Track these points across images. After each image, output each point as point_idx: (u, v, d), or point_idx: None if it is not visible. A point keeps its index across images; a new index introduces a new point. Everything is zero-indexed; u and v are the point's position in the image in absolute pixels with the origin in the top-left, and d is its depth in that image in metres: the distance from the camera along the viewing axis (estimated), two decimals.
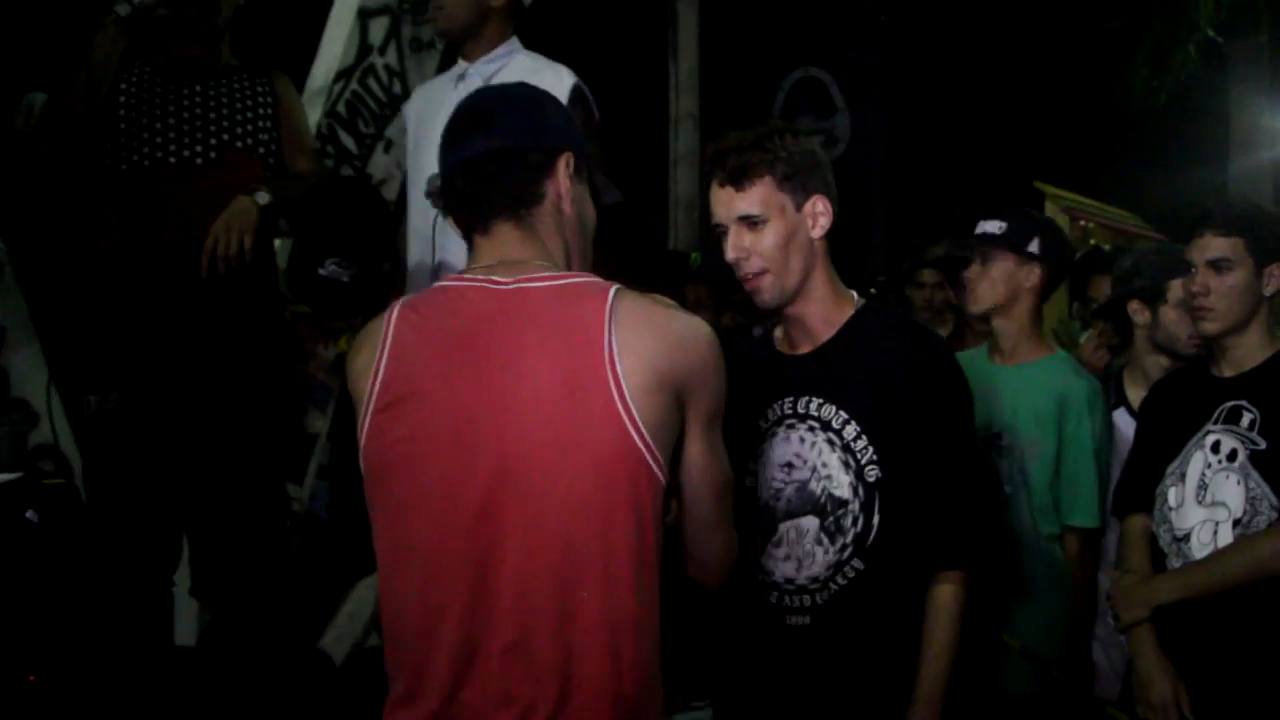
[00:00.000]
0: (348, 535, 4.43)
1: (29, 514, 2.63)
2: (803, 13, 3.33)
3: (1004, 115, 12.13)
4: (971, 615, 2.23)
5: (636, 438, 1.67)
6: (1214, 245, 2.68)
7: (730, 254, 2.24)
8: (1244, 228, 2.68)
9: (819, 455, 2.24)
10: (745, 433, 2.29)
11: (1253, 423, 2.60)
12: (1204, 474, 2.64)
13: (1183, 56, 11.54)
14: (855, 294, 2.34)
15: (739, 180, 2.21)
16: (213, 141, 3.19)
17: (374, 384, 1.74)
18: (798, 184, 2.22)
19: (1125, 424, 3.17)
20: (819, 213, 2.24)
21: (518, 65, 3.14)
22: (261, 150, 3.25)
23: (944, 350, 2.40)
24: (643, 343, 1.70)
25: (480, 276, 1.76)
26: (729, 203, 2.23)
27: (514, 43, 3.21)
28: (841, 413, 2.23)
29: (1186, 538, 2.65)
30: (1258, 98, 12.13)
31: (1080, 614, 3.02)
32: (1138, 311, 3.27)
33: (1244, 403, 2.63)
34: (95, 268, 3.19)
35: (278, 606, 3.29)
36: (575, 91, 3.08)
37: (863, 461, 2.21)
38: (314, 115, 4.12)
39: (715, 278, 4.17)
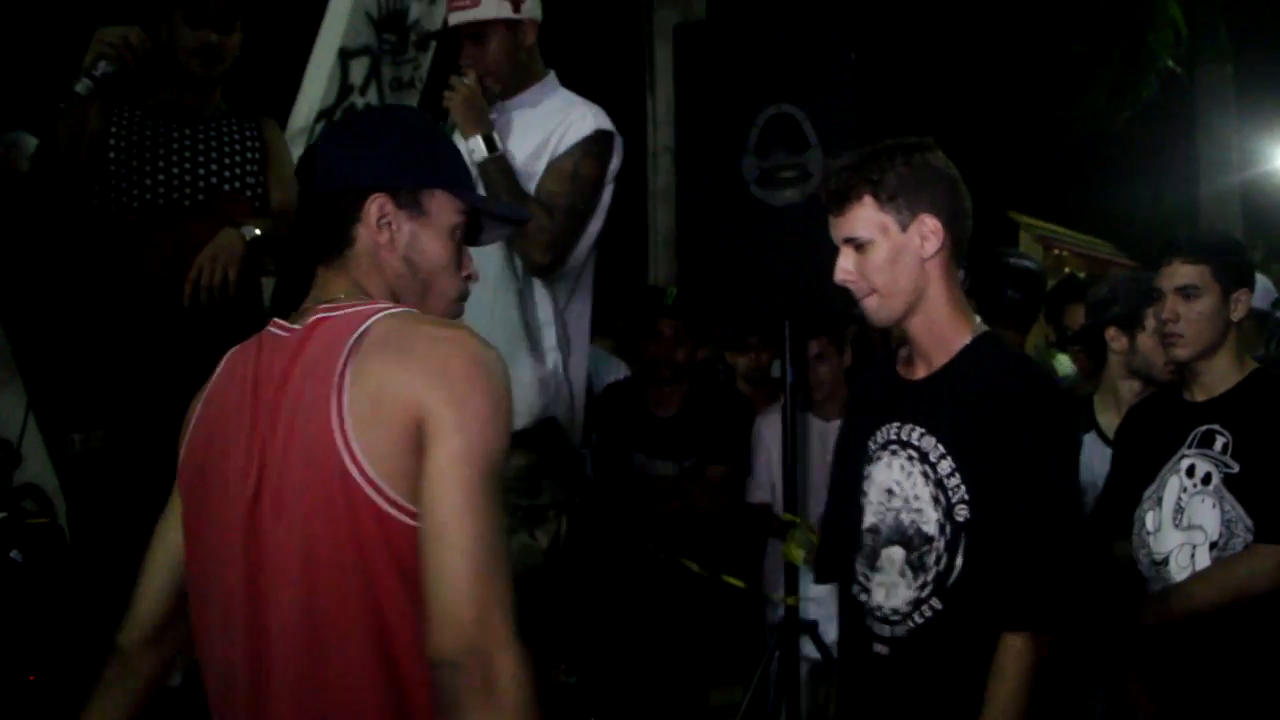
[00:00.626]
0: None
1: (13, 554, 2.63)
2: (775, 49, 3.38)
3: (976, 146, 12.24)
4: (1045, 681, 2.10)
5: (355, 472, 1.52)
6: (1181, 272, 2.73)
7: (838, 276, 2.24)
8: (1210, 255, 2.74)
9: (914, 486, 2.19)
10: (859, 451, 2.30)
11: (1225, 446, 2.64)
12: (1180, 498, 2.68)
13: (1145, 86, 11.67)
14: (978, 319, 2.29)
15: (839, 204, 2.22)
16: (201, 185, 3.21)
17: (184, 437, 1.73)
18: (902, 203, 2.19)
19: (1094, 449, 3.21)
20: (928, 232, 2.19)
21: (549, 105, 3.15)
22: (249, 193, 3.28)
23: (1054, 393, 2.33)
24: (376, 367, 1.55)
25: (282, 321, 1.70)
26: (835, 226, 2.24)
27: (550, 80, 3.21)
28: (940, 445, 2.17)
29: (1165, 561, 2.69)
30: (1224, 124, 12.29)
31: None
32: (1114, 338, 3.31)
33: (1216, 426, 2.67)
34: (79, 306, 3.20)
35: None
36: (592, 138, 3.07)
37: (954, 500, 2.15)
38: (296, 155, 4.15)
39: (690, 312, 4.20)
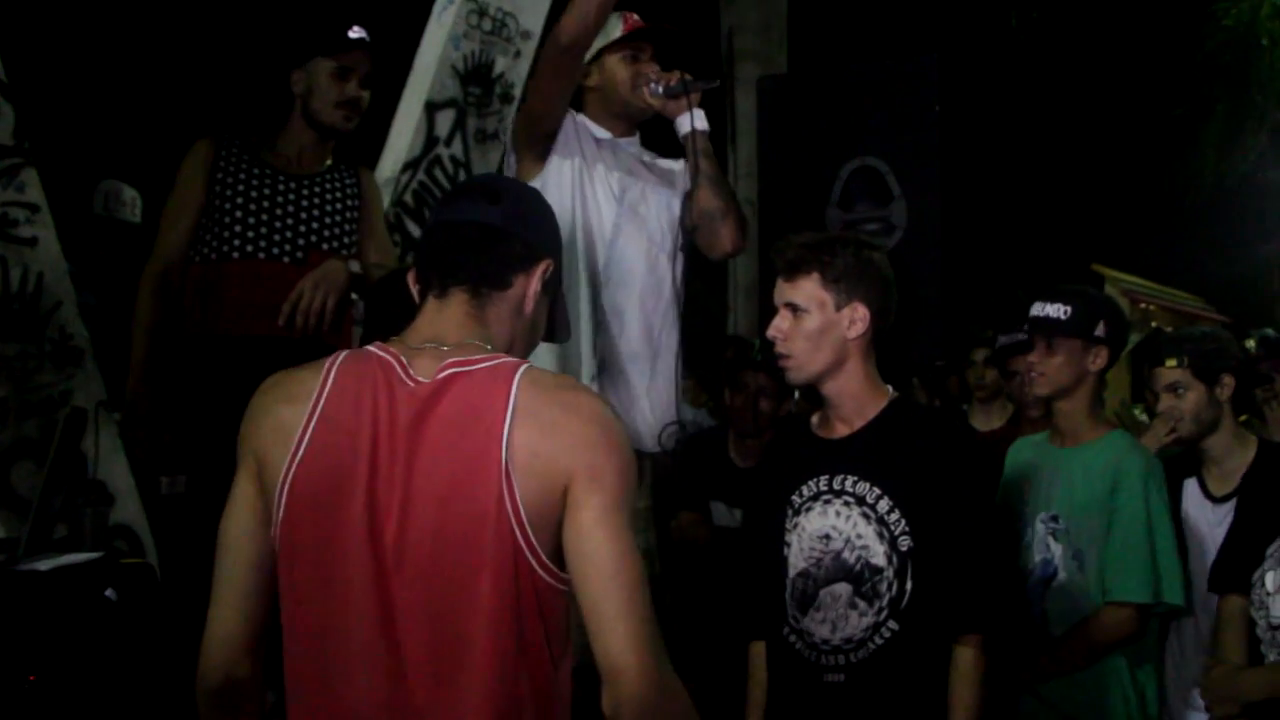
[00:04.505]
0: None
1: (108, 592, 2.68)
2: (858, 102, 3.41)
3: (1061, 199, 12.14)
4: (992, 677, 2.42)
5: (519, 534, 1.65)
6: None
7: (770, 332, 2.54)
8: None
9: (854, 527, 2.45)
10: (781, 505, 2.55)
11: None
12: None
13: (1252, 139, 11.47)
14: (890, 388, 2.58)
15: (790, 272, 2.51)
16: (300, 242, 3.25)
17: (298, 449, 1.71)
18: (843, 287, 2.48)
19: (1193, 496, 3.16)
20: (857, 318, 2.49)
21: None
22: (344, 252, 3.32)
23: (967, 438, 2.68)
24: (528, 436, 1.67)
25: (404, 363, 1.74)
26: (780, 288, 2.54)
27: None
28: (875, 489, 2.44)
29: None
30: None
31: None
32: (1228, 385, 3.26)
33: None
34: (171, 354, 3.27)
35: None
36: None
37: (896, 532, 2.41)
38: (383, 204, 4.24)
39: (775, 365, 4.21)
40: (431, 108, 4.57)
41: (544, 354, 3.09)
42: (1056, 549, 2.96)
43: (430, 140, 4.58)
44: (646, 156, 3.25)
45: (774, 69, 7.34)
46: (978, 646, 2.39)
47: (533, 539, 1.66)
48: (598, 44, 3.15)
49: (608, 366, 3.10)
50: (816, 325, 2.47)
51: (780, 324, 2.51)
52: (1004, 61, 11.72)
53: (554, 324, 1.99)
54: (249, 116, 3.29)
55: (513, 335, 1.85)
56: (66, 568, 2.84)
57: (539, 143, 3.09)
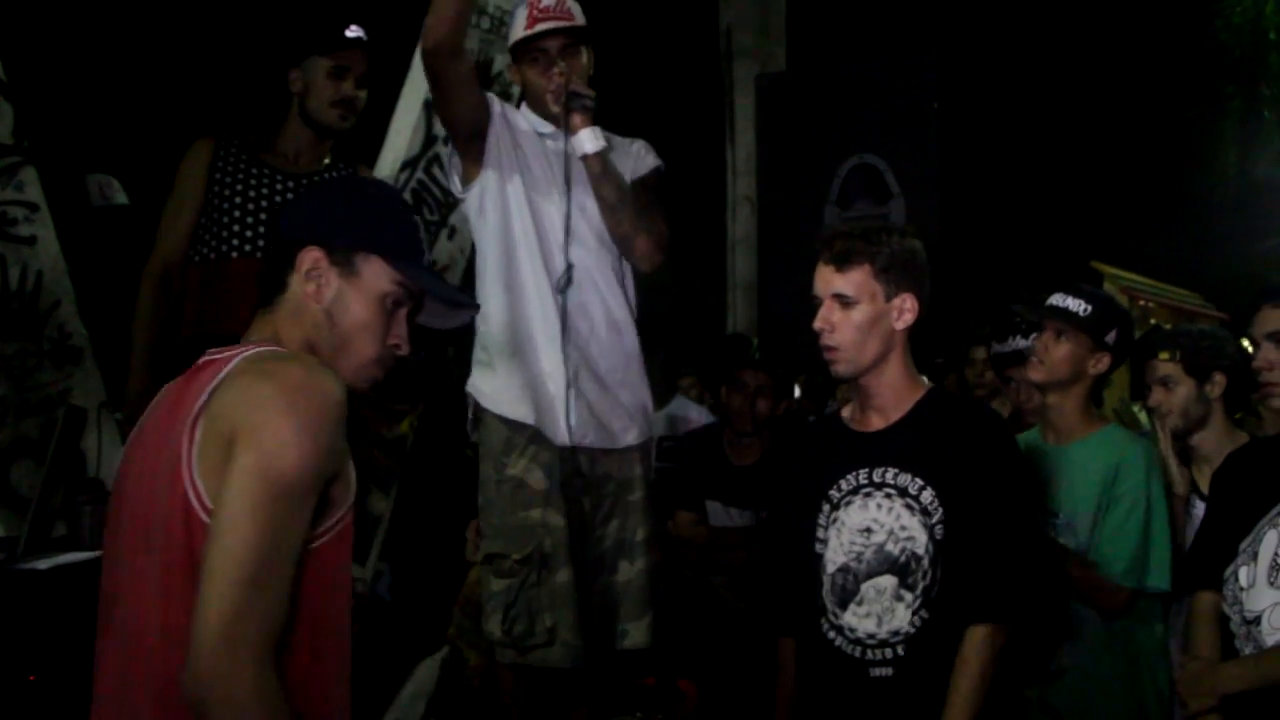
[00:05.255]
0: (410, 616, 4.45)
1: None
2: (856, 100, 3.40)
3: (1059, 196, 12.13)
4: (1004, 668, 2.39)
5: (186, 471, 1.65)
6: (1273, 318, 2.71)
7: (817, 323, 2.49)
8: None
9: (897, 519, 2.44)
10: (816, 500, 2.53)
11: None
12: (1277, 553, 2.59)
13: (1276, 135, 11.47)
14: (926, 379, 2.58)
15: (841, 262, 2.48)
16: None
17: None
18: (892, 277, 2.47)
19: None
20: (906, 309, 2.49)
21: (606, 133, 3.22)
22: None
23: (1004, 428, 2.64)
24: (218, 400, 1.67)
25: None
26: (829, 280, 2.50)
27: None
28: (917, 480, 2.45)
29: (1258, 620, 2.58)
30: None
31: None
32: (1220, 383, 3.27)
33: None
34: (171, 353, 3.27)
35: None
36: (660, 169, 3.25)
37: (934, 521, 2.42)
38: None
39: (773, 362, 4.21)
40: (430, 106, 4.57)
41: (513, 370, 3.08)
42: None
43: (429, 139, 4.57)
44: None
45: (772, 67, 7.32)
46: (990, 635, 2.37)
47: (199, 485, 1.64)
48: (512, 36, 3.12)
49: (581, 371, 3.08)
50: (867, 317, 2.46)
51: (828, 315, 2.48)
52: (1002, 58, 11.71)
53: (421, 305, 1.92)
54: (247, 115, 3.29)
55: (305, 333, 1.84)
56: (66, 566, 2.84)
57: (467, 145, 3.05)
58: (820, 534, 2.51)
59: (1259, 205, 12.43)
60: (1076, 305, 3.04)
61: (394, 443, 4.26)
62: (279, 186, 3.31)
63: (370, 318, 1.85)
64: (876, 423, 2.54)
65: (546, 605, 3.00)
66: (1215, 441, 3.10)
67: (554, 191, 3.08)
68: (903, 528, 2.43)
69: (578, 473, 3.09)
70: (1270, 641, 2.55)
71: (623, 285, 3.17)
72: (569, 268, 3.05)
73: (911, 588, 2.41)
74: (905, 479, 2.45)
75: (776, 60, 7.75)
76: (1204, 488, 3.09)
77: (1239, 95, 11.76)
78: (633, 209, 3.08)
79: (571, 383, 3.05)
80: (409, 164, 4.49)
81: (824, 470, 2.54)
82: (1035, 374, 3.09)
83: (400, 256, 1.87)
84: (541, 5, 3.05)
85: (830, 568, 2.49)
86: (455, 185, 3.15)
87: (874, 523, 2.46)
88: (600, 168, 3.03)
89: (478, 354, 3.17)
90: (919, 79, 3.35)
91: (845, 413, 2.63)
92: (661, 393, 5.09)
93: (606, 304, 3.12)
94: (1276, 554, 2.59)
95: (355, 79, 3.33)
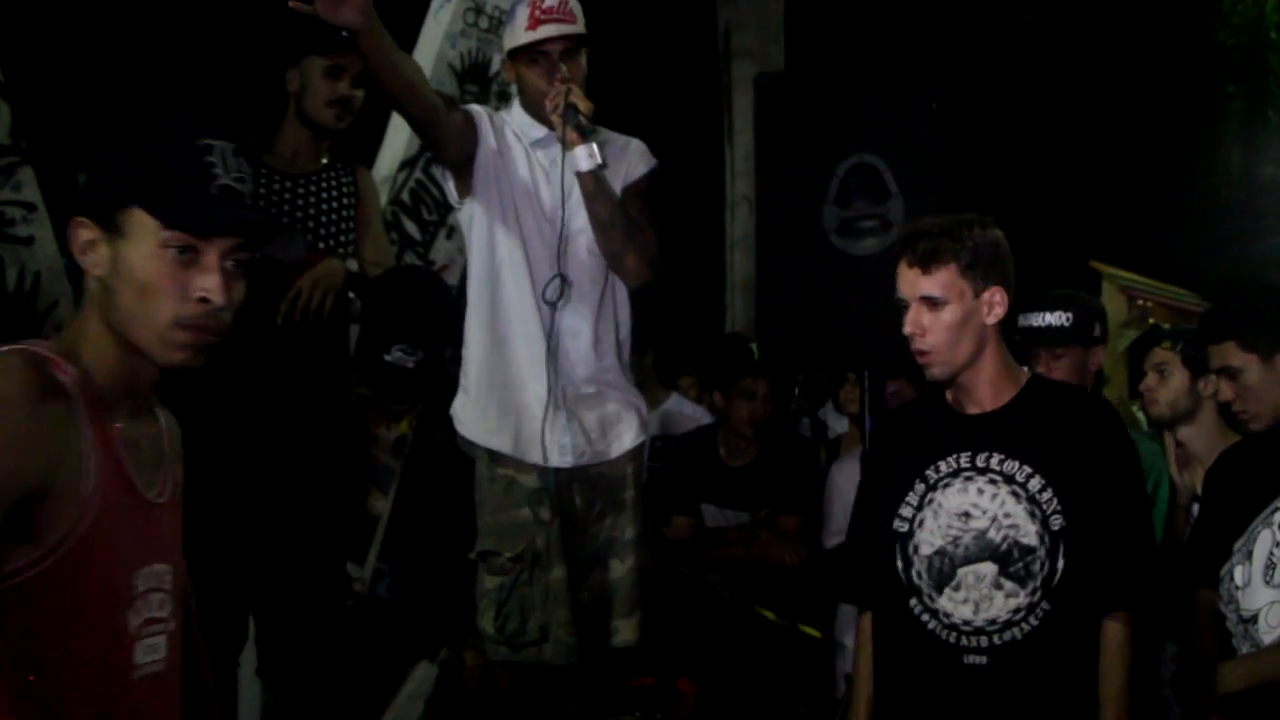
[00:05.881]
0: (408, 616, 4.45)
1: None
2: (855, 99, 3.40)
3: (1059, 195, 12.11)
4: (1139, 654, 2.44)
5: None
6: (1218, 353, 2.78)
7: (907, 328, 2.45)
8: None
9: (1001, 506, 2.41)
10: (909, 479, 2.49)
11: None
12: (1272, 552, 2.60)
13: (1269, 129, 11.48)
14: (1026, 369, 2.57)
15: (926, 263, 2.41)
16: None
17: None
18: (979, 273, 2.41)
19: None
20: (995, 302, 2.44)
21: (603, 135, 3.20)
22: (341, 252, 3.33)
23: (1112, 412, 2.62)
24: None
25: None
26: (914, 282, 2.44)
27: None
28: (1025, 467, 2.41)
29: (1254, 619, 2.60)
30: None
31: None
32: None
33: None
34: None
35: (339, 687, 3.31)
36: (656, 172, 3.23)
37: (1048, 511, 2.38)
38: (380, 203, 4.23)
39: (774, 366, 4.21)
40: None
41: (491, 400, 3.06)
42: None
43: None
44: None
45: (771, 66, 7.32)
46: (1127, 623, 2.39)
47: None
48: (507, 42, 3.09)
49: (569, 392, 3.08)
50: (958, 316, 2.41)
51: (917, 319, 2.43)
52: (1001, 57, 11.70)
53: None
54: (244, 115, 3.28)
55: (102, 316, 1.66)
56: None
57: (456, 169, 3.05)
58: (915, 514, 2.48)
59: (1260, 205, 12.42)
60: (1059, 319, 3.08)
61: (394, 443, 4.26)
62: (277, 186, 3.31)
63: (150, 277, 1.64)
64: (973, 410, 2.51)
65: (539, 603, 3.01)
66: (1208, 440, 3.12)
67: (544, 205, 3.08)
68: (1007, 515, 2.40)
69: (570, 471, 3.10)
70: (1267, 640, 2.56)
71: (613, 298, 3.17)
72: (562, 280, 3.04)
73: (1018, 578, 2.38)
74: (1012, 466, 2.42)
75: (775, 60, 7.75)
76: (1198, 487, 3.09)
77: (1240, 95, 11.76)
78: (624, 227, 3.06)
79: (561, 405, 3.05)
80: (407, 164, 4.49)
81: (921, 449, 2.51)
82: None
83: (160, 200, 1.64)
84: (544, 5, 3.02)
85: (926, 549, 2.45)
86: (451, 195, 3.15)
87: (974, 508, 2.42)
88: (594, 186, 3.00)
89: (460, 378, 3.17)
90: (918, 78, 3.34)
91: (947, 395, 2.57)
92: (655, 391, 5.09)
93: (596, 319, 3.12)
94: (1271, 552, 2.60)
95: (352, 78, 3.32)
